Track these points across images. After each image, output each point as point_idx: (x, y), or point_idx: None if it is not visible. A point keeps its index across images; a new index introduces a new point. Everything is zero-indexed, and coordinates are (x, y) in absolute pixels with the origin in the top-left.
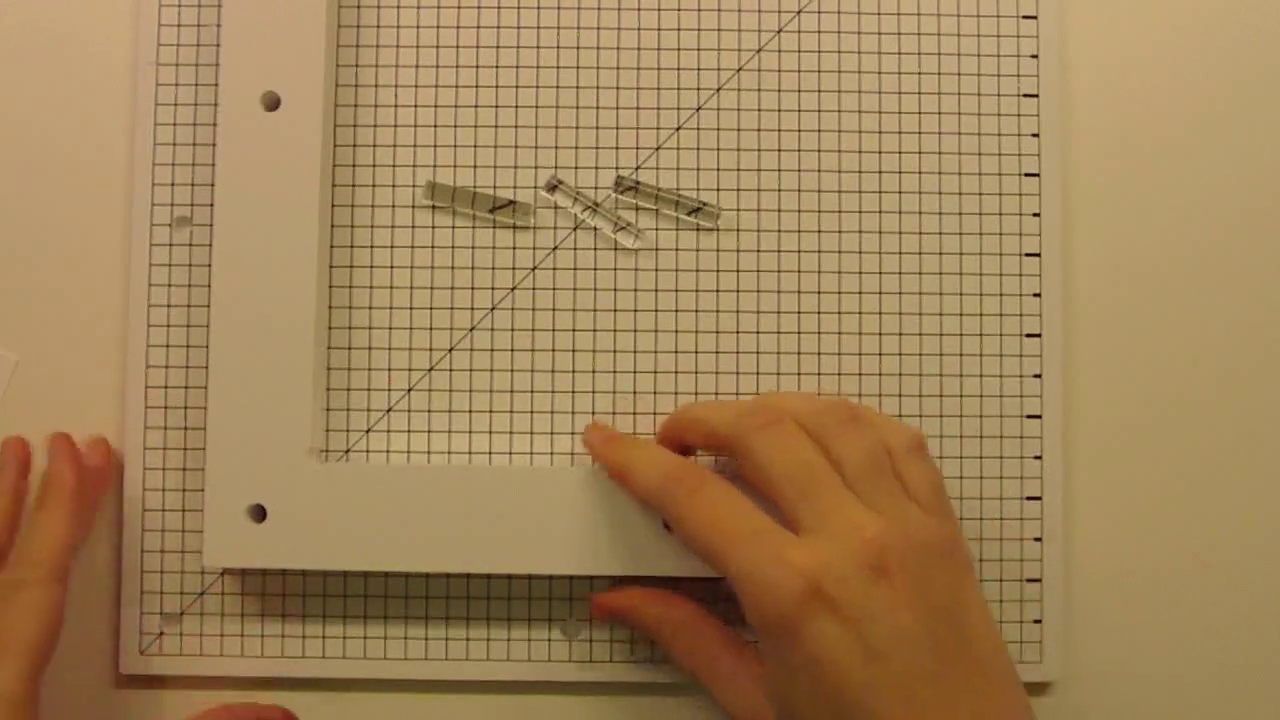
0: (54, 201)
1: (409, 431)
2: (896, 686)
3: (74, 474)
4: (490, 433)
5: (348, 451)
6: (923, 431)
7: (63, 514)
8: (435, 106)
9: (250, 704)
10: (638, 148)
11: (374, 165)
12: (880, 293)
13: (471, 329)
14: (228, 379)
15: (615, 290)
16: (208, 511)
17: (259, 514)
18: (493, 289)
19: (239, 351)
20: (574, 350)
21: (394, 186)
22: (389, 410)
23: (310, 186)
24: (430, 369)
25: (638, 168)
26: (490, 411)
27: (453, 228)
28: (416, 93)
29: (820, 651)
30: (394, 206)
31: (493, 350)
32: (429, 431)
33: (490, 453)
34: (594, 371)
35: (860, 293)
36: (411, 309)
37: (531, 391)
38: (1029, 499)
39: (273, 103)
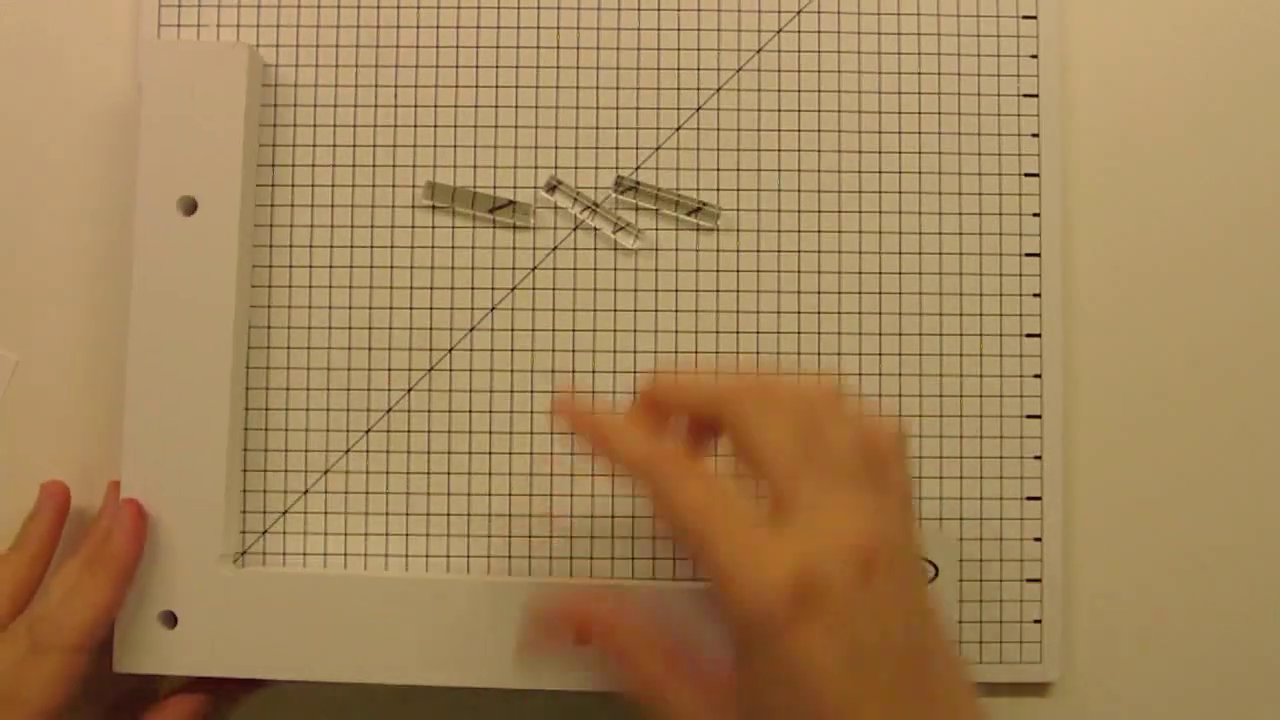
0: (55, 201)
1: (409, 432)
2: (878, 698)
3: (134, 548)
4: (491, 433)
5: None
6: (906, 428)
7: (111, 588)
8: (435, 106)
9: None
10: (637, 148)
11: (374, 165)
12: (880, 293)
13: (471, 329)
14: (139, 485)
15: (615, 290)
16: (118, 617)
17: (170, 620)
18: (493, 289)
19: (150, 456)
20: (574, 350)
21: (394, 187)
22: (389, 410)
23: (226, 290)
24: (430, 369)
25: (637, 168)
26: (490, 412)
27: (453, 228)
28: (416, 93)
29: (802, 656)
30: (394, 207)
31: (493, 350)
32: (429, 432)
33: (491, 452)
34: (594, 372)
35: (860, 293)
36: (411, 309)
37: (531, 392)
38: (1029, 499)
39: (190, 207)
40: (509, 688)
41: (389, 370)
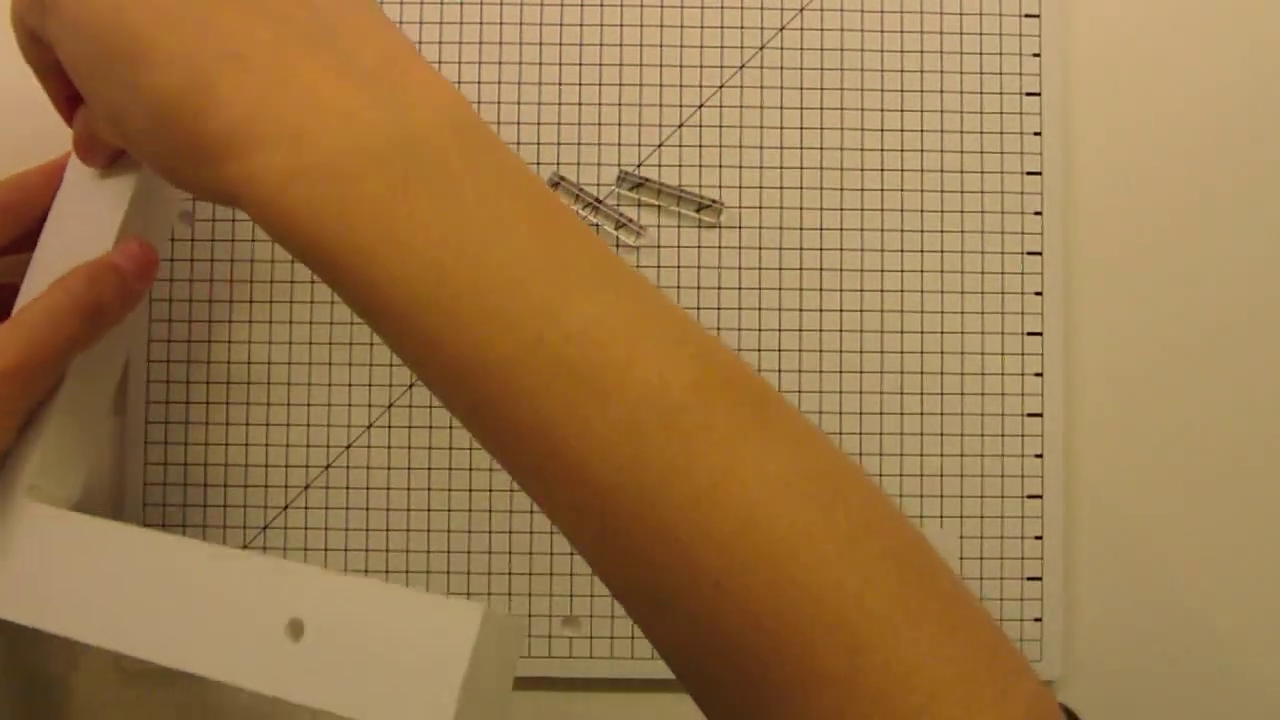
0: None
1: (409, 429)
2: (146, 2)
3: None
4: None
5: (341, 452)
6: None
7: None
8: None
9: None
10: (640, 145)
11: None
12: (882, 290)
13: None
14: None
15: None
16: None
17: None
18: None
19: None
20: None
21: None
22: (390, 405)
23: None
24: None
25: (640, 165)
26: None
27: None
28: None
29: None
30: None
31: None
32: (430, 427)
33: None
34: None
35: (861, 290)
36: None
37: None
38: (1030, 497)
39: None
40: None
41: (390, 365)
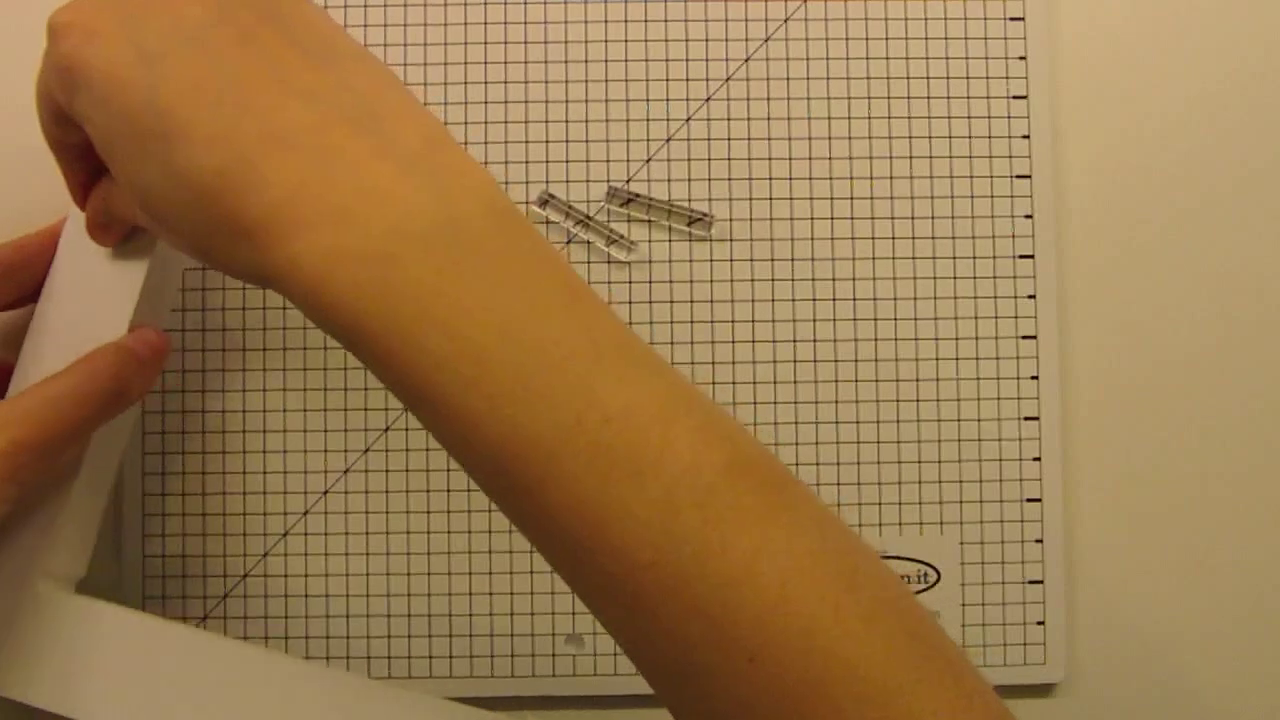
0: (54, 204)
1: (407, 451)
2: (183, 82)
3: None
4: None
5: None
6: None
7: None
8: None
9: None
10: (628, 160)
11: None
12: (875, 299)
13: None
14: None
15: (610, 303)
16: None
17: None
18: None
19: None
20: None
21: None
22: (387, 429)
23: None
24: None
25: (629, 180)
26: None
27: None
28: None
29: (94, 74)
30: None
31: None
32: (428, 450)
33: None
34: None
35: (854, 299)
36: None
37: None
38: (1029, 501)
39: None
40: None
41: (374, 389)
